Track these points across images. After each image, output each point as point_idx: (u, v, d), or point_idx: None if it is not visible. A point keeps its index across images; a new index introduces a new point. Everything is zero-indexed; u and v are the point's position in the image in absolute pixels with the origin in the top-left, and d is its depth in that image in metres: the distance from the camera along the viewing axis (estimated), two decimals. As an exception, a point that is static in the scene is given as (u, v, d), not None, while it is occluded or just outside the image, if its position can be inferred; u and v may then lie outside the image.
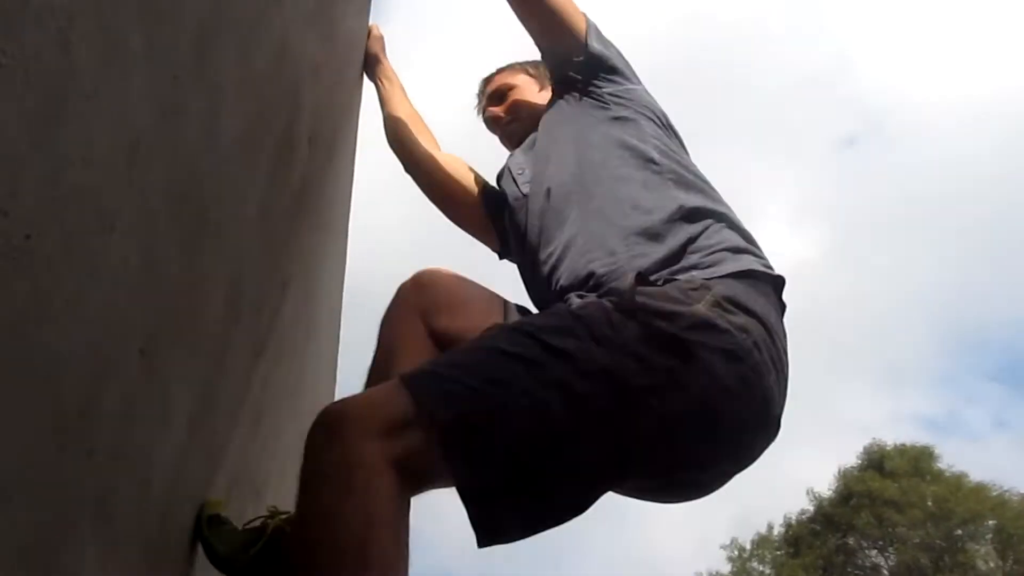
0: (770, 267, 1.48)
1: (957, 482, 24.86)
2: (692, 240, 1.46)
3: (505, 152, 1.96)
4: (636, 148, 1.63)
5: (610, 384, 1.19)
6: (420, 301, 1.61)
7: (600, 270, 1.46)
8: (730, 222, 1.53)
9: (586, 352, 1.21)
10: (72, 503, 0.79)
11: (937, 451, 25.62)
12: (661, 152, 1.63)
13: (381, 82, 2.19)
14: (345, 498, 1.04)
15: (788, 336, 1.43)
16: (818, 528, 26.09)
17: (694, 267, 1.41)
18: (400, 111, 2.11)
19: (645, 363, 1.21)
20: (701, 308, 1.30)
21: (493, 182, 1.92)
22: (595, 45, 1.78)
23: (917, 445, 25.90)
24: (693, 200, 1.53)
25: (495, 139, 2.07)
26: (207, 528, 1.39)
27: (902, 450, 25.61)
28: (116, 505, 0.92)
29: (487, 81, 2.10)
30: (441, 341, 1.56)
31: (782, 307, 1.44)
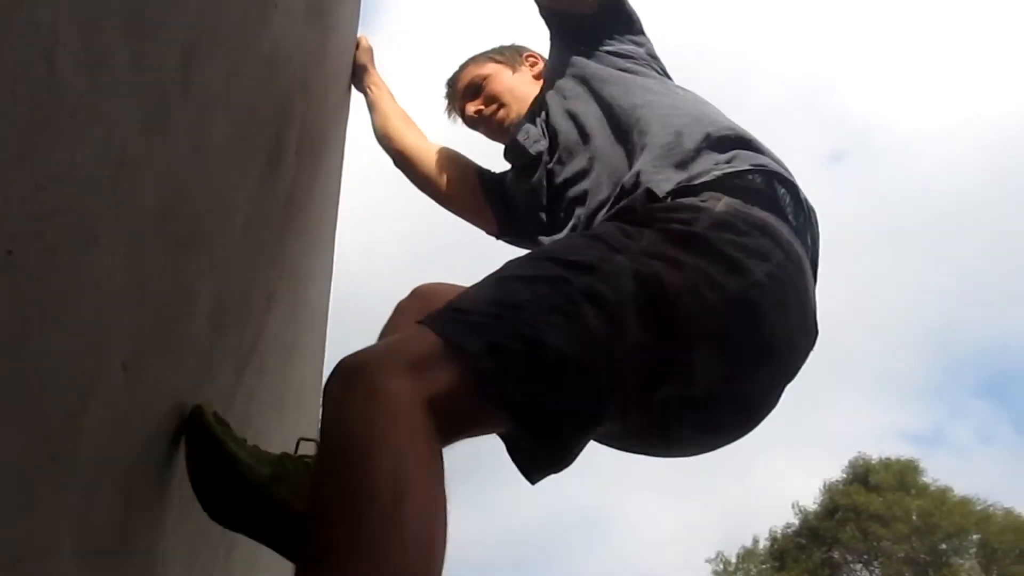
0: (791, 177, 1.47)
1: (942, 496, 24.95)
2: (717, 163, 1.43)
3: (497, 146, 1.93)
4: (650, 86, 1.64)
5: (641, 285, 1.15)
6: (422, 310, 1.56)
7: (622, 190, 1.46)
8: (756, 147, 1.50)
9: (609, 261, 1.17)
10: (54, 517, 0.79)
11: (922, 465, 25.72)
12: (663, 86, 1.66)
13: (369, 89, 2.19)
14: (373, 431, 0.94)
15: (816, 236, 1.44)
16: (803, 542, 26.12)
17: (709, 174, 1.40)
18: (389, 109, 2.13)
19: (672, 261, 1.18)
20: (720, 207, 1.30)
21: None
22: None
23: (902, 459, 26.00)
24: (721, 125, 1.52)
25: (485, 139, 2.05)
26: (216, 426, 1.17)
27: (887, 464, 25.69)
28: (99, 519, 0.92)
29: (454, 80, 2.06)
30: None
31: (803, 214, 1.43)
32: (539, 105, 1.80)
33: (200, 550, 1.47)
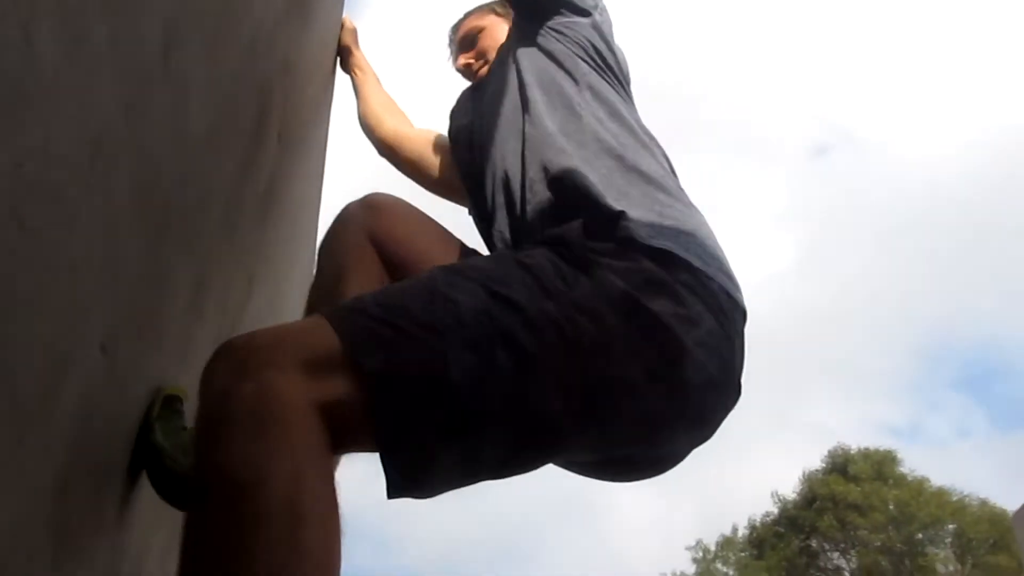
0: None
1: (919, 487, 25.22)
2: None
3: None
4: (563, 92, 1.52)
5: (560, 340, 1.07)
6: (372, 225, 1.50)
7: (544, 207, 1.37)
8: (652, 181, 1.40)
9: (535, 304, 1.09)
10: (29, 498, 0.78)
11: (900, 456, 25.99)
12: (590, 93, 1.53)
13: (355, 72, 2.17)
14: (263, 445, 0.85)
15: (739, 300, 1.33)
16: (782, 530, 26.36)
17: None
18: (373, 96, 2.09)
19: (600, 322, 1.11)
20: (653, 265, 1.21)
21: None
22: None
23: (880, 450, 26.25)
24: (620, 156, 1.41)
25: None
26: (158, 409, 1.10)
27: (866, 454, 25.94)
28: (75, 501, 0.91)
29: (456, 28, 2.03)
30: (393, 273, 1.44)
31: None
32: (489, 74, 1.75)
33: (177, 533, 1.47)
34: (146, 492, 1.19)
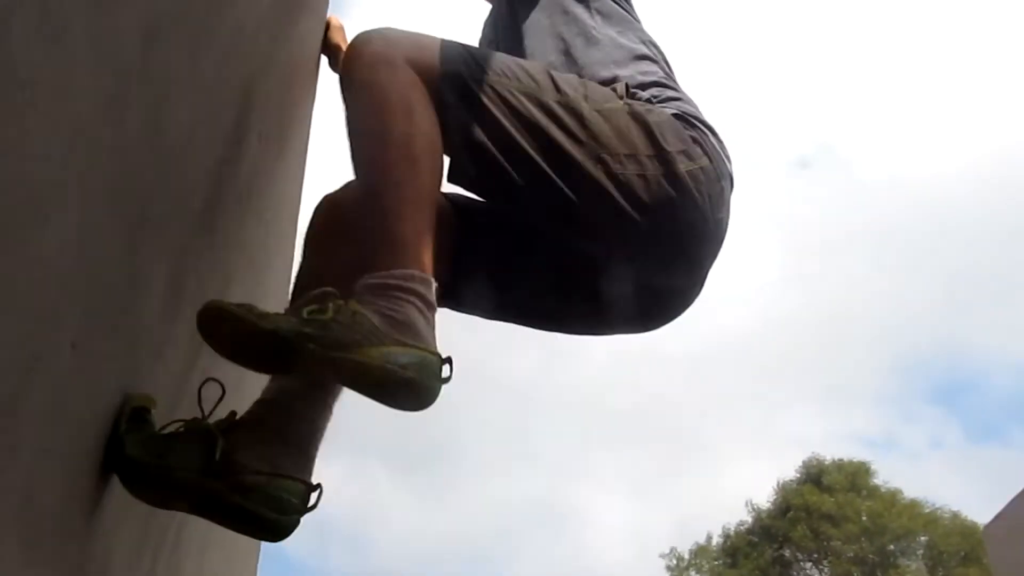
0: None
1: (892, 498, 25.37)
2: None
3: None
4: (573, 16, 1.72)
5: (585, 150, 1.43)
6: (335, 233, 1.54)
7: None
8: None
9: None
10: (-6, 499, 0.77)
11: (874, 468, 26.13)
12: (600, 16, 1.74)
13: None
14: (394, 76, 1.36)
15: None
16: (756, 539, 26.45)
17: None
18: None
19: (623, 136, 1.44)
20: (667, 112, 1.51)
21: None
22: None
23: (855, 461, 26.40)
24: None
25: None
26: (124, 424, 1.13)
27: (840, 465, 26.07)
28: (42, 503, 0.90)
29: None
30: None
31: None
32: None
33: (150, 531, 1.46)
34: (115, 494, 1.18)
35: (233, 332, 1.17)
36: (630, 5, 1.82)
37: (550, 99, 1.44)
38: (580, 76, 1.58)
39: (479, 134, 1.41)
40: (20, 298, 0.72)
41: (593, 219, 1.45)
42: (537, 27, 1.74)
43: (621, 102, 1.48)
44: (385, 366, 1.15)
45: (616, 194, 1.41)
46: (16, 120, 0.64)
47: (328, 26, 2.20)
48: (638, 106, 1.48)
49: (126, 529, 1.30)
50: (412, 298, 1.23)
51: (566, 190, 1.41)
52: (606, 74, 1.59)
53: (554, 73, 1.50)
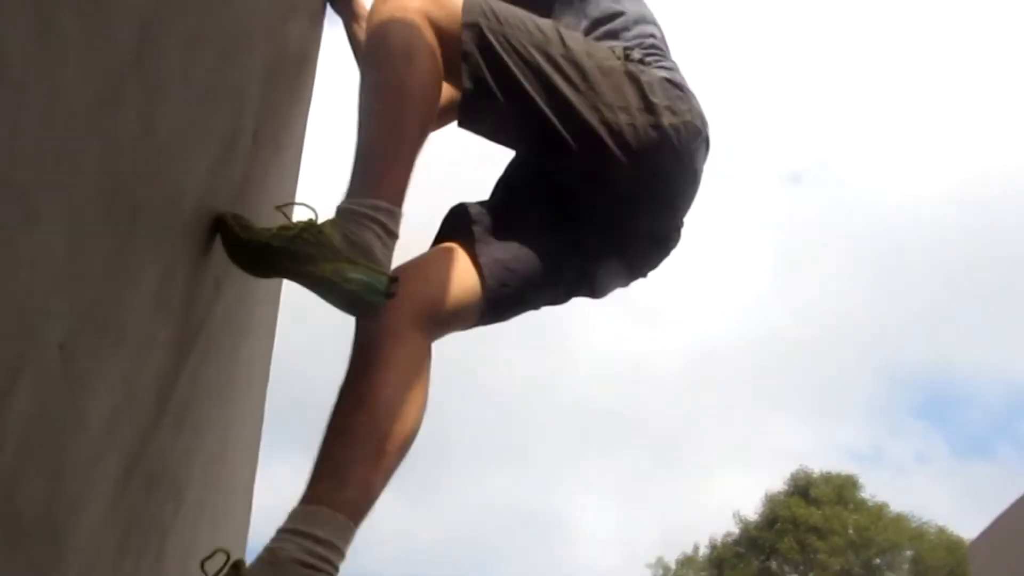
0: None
1: (878, 512, 25.42)
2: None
3: None
4: None
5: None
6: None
7: None
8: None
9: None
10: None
11: (861, 481, 26.16)
12: None
13: (353, 24, 2.13)
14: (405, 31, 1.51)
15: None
16: (742, 550, 26.46)
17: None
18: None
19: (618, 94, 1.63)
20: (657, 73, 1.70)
21: None
22: None
23: (842, 474, 26.42)
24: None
25: None
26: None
27: (827, 478, 26.10)
28: (24, 503, 0.89)
29: None
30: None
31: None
32: None
33: (132, 536, 1.45)
34: (99, 496, 1.17)
35: (224, 238, 1.40)
36: None
37: (556, 52, 1.61)
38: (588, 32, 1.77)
39: (492, 81, 1.59)
40: (7, 298, 0.71)
41: (586, 159, 1.64)
42: None
43: (619, 62, 1.66)
44: (332, 278, 1.36)
45: (607, 139, 1.61)
46: (8, 121, 0.64)
47: None
48: (632, 66, 1.66)
49: (109, 532, 1.29)
50: (374, 225, 1.41)
51: (564, 132, 1.60)
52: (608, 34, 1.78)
53: (563, 30, 1.67)
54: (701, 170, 1.76)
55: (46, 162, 0.72)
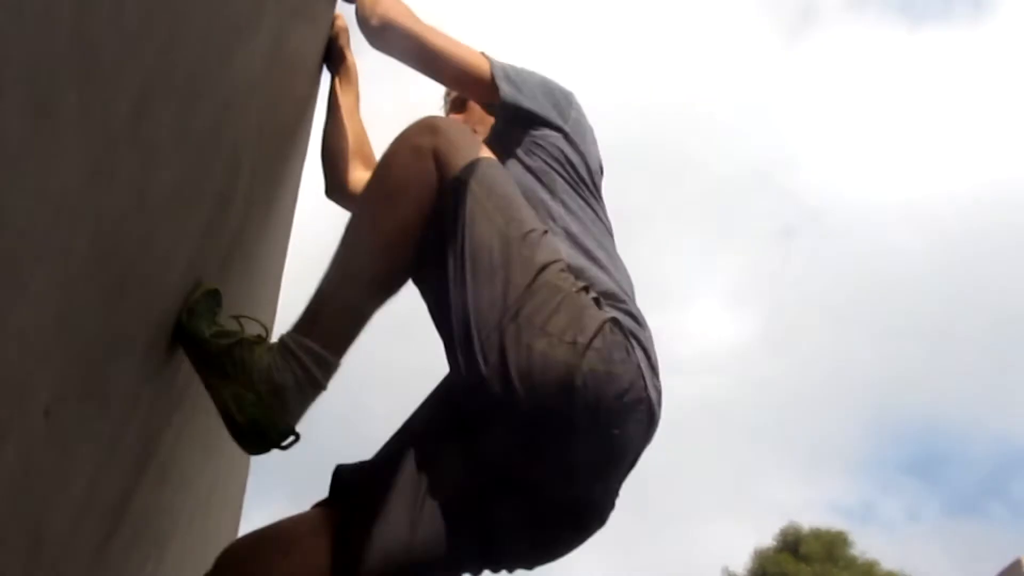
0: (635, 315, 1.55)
1: (869, 569, 25.14)
2: None
3: None
4: (541, 202, 1.66)
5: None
6: None
7: None
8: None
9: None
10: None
11: (851, 538, 25.90)
12: (564, 208, 1.69)
13: (338, 83, 2.13)
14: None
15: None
16: (731, 607, 26.08)
17: None
18: (347, 121, 2.07)
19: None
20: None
21: None
22: (507, 92, 1.77)
23: (832, 530, 26.17)
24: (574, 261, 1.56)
25: None
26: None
27: (817, 534, 25.85)
28: (5, 565, 0.89)
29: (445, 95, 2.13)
30: None
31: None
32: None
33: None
34: (81, 553, 1.16)
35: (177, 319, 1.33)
36: (600, 204, 1.79)
37: (515, 248, 1.42)
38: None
39: (446, 236, 1.43)
40: (-6, 367, 0.72)
41: (485, 378, 1.38)
42: None
43: (576, 287, 1.44)
44: (229, 403, 1.33)
45: (511, 356, 1.36)
46: (3, 195, 0.65)
47: (332, 24, 2.14)
48: (585, 298, 1.44)
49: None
50: (297, 369, 1.35)
51: (471, 326, 1.39)
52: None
53: (541, 228, 1.49)
54: (629, 439, 1.45)
55: (37, 235, 0.73)
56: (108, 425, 1.12)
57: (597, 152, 1.86)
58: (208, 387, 1.35)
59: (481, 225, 1.43)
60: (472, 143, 1.54)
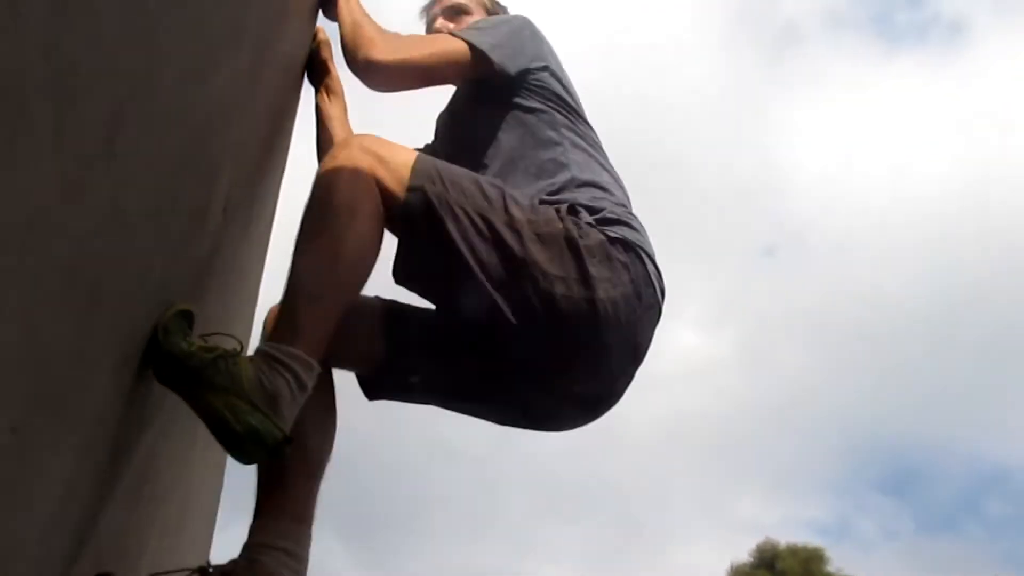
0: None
1: (845, 587, 25.15)
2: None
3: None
4: (543, 139, 1.85)
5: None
6: None
7: None
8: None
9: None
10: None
11: (827, 554, 25.96)
12: (568, 142, 1.86)
13: (323, 94, 2.15)
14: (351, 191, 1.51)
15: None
16: (707, 624, 26.07)
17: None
18: (336, 131, 2.11)
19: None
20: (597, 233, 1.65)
21: None
22: (500, 61, 1.89)
23: (809, 547, 26.23)
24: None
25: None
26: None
27: (794, 550, 25.91)
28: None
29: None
30: None
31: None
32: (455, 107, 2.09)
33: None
34: (49, 570, 1.15)
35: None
36: (589, 126, 1.96)
37: (498, 220, 1.59)
38: (536, 191, 1.75)
39: (430, 245, 1.59)
40: (-39, 386, 0.71)
41: (519, 330, 1.58)
42: (500, 141, 1.88)
43: (561, 225, 1.61)
44: (224, 414, 1.32)
45: (541, 310, 1.57)
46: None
47: (314, 39, 2.18)
48: (575, 231, 1.61)
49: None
50: (287, 374, 1.38)
51: (499, 300, 1.57)
52: (557, 196, 1.75)
53: (508, 195, 1.64)
54: (646, 341, 1.72)
55: (10, 251, 0.72)
56: (78, 442, 1.11)
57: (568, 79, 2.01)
58: (194, 401, 1.35)
59: (456, 219, 1.58)
60: (398, 148, 1.64)
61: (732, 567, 26.37)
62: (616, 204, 1.77)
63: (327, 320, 1.48)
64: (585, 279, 1.57)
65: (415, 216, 1.57)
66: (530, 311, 1.57)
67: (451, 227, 1.56)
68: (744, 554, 26.71)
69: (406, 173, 1.57)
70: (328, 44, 2.20)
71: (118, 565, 1.69)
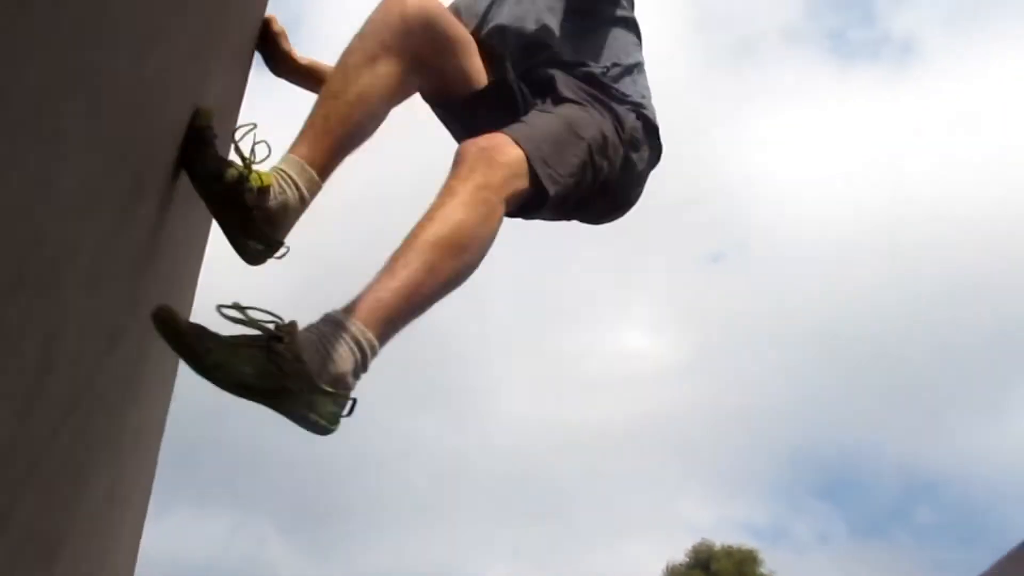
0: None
1: (777, 588, 25.59)
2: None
3: None
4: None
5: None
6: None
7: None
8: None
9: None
10: None
11: (761, 556, 26.38)
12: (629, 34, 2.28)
13: (302, 74, 2.17)
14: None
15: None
16: (641, 622, 26.33)
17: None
18: (322, 69, 2.13)
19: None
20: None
21: None
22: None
23: (743, 548, 26.64)
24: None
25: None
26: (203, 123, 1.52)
27: (729, 552, 26.29)
28: None
29: None
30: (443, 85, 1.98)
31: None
32: None
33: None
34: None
35: (182, 351, 1.39)
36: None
37: (579, 149, 1.94)
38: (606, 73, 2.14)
39: (559, 198, 1.90)
40: None
41: (597, 186, 2.02)
42: (594, 39, 2.20)
43: (616, 136, 2.04)
44: (303, 412, 1.38)
45: (601, 176, 2.01)
46: None
47: (268, 27, 2.15)
48: (616, 110, 2.07)
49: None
50: (357, 353, 1.45)
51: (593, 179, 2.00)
52: (625, 80, 2.17)
53: (568, 119, 1.97)
54: (649, 165, 2.20)
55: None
56: (4, 420, 1.08)
57: None
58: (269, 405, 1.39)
59: (563, 173, 1.91)
60: (495, 161, 1.80)
61: (668, 567, 26.68)
62: (645, 82, 2.27)
63: (407, 319, 1.58)
64: (627, 156, 2.07)
65: (544, 192, 1.83)
66: (597, 181, 2.01)
67: (568, 182, 1.90)
68: (680, 554, 27.03)
69: (523, 168, 1.78)
70: (284, 34, 2.18)
71: (39, 550, 1.65)
